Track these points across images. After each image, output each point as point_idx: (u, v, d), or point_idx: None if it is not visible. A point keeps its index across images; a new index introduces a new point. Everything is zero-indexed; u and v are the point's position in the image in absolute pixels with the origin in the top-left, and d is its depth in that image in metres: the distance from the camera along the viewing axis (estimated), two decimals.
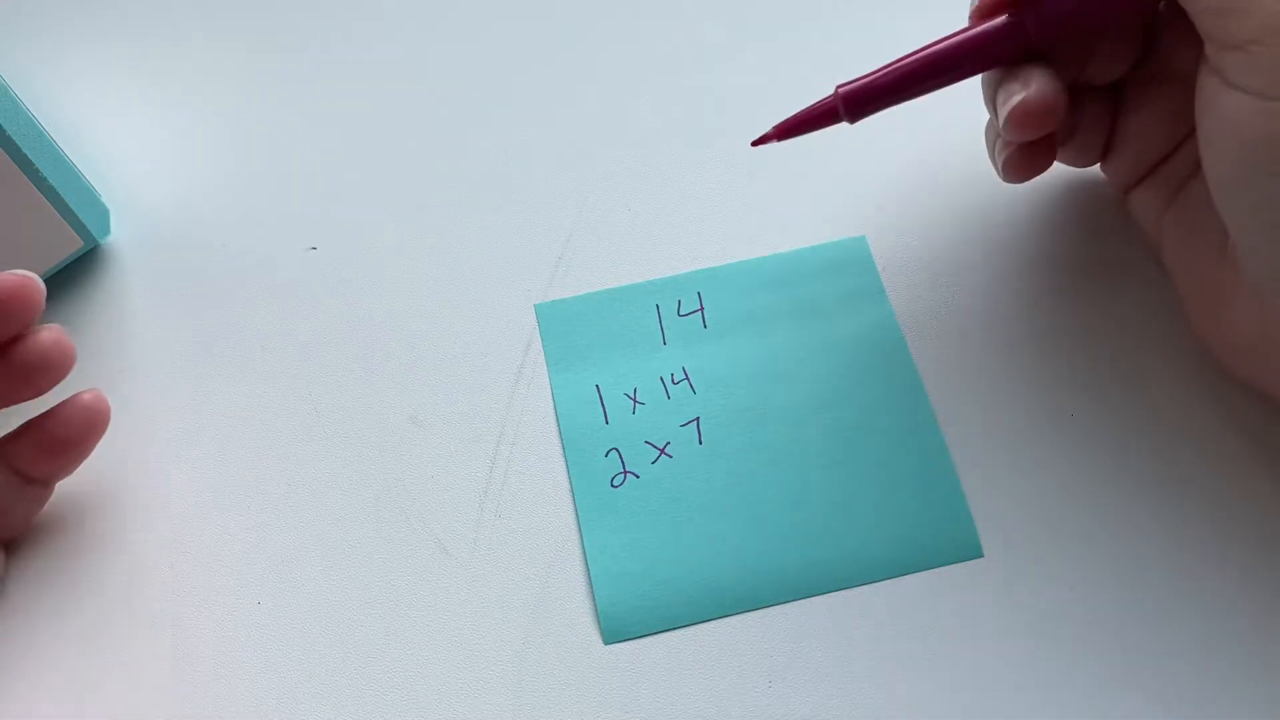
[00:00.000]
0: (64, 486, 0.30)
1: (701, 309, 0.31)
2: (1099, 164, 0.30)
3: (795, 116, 0.28)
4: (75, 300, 0.33)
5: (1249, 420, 0.29)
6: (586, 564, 0.28)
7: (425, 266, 0.33)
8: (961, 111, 0.31)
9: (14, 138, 0.28)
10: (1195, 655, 0.26)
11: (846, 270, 0.31)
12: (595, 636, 0.27)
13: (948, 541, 0.28)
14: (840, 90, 0.27)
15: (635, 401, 0.30)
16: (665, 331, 0.31)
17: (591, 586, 0.28)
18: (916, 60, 0.27)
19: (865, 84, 0.27)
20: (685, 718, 0.26)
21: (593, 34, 0.36)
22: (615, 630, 0.27)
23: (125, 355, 0.32)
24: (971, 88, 0.29)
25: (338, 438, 0.30)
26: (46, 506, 0.29)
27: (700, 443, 0.29)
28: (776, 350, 0.30)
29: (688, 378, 0.30)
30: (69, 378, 0.31)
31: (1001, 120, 0.27)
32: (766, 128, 0.34)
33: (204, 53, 0.37)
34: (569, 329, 0.31)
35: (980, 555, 0.28)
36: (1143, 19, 0.27)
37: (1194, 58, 0.25)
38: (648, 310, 0.32)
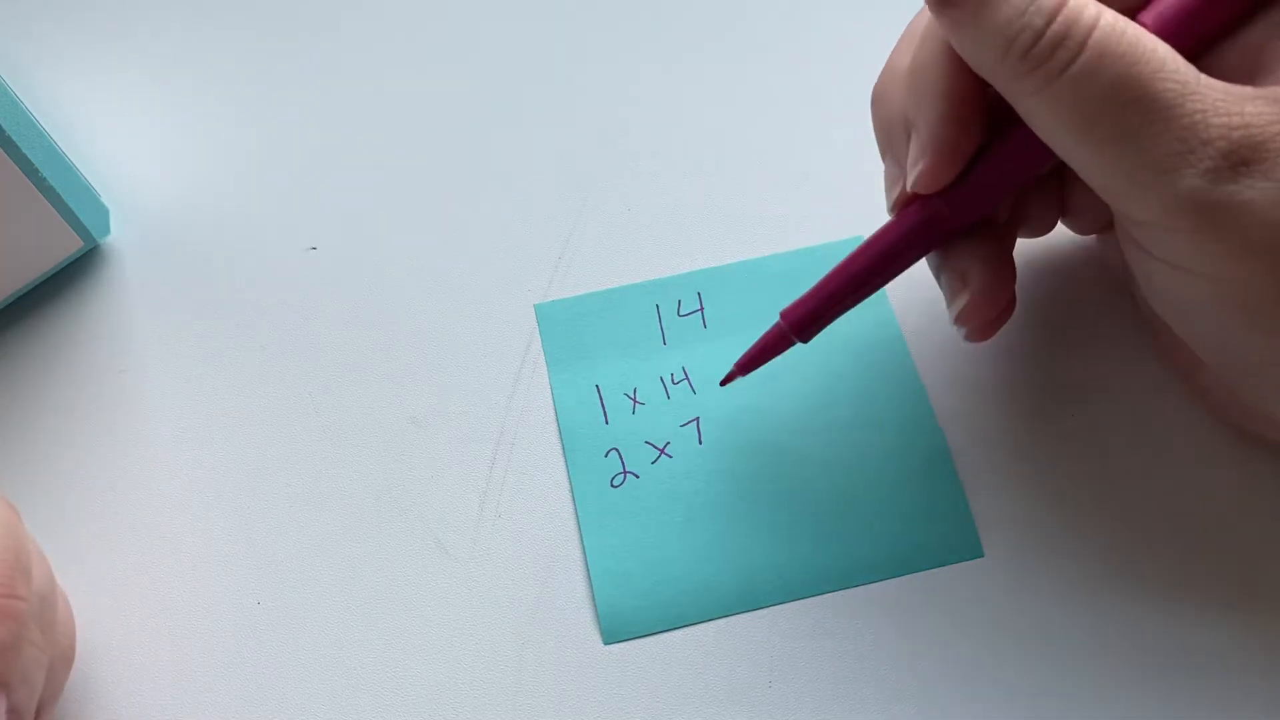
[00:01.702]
0: (61, 487, 0.30)
1: (701, 309, 0.31)
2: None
3: (751, 350, 0.28)
4: (75, 300, 0.33)
5: None
6: (586, 564, 0.28)
7: (425, 266, 0.33)
8: None
9: (14, 138, 0.28)
10: (1195, 655, 0.26)
11: None
12: (595, 636, 0.27)
13: (948, 541, 0.28)
14: (785, 316, 0.27)
15: (635, 401, 0.30)
16: (665, 331, 0.31)
17: (591, 586, 0.28)
18: (851, 273, 0.26)
19: (808, 308, 0.27)
20: (685, 718, 0.26)
21: (593, 34, 0.36)
22: (615, 630, 0.27)
23: (125, 355, 0.32)
24: None
25: (337, 438, 0.30)
26: (44, 509, 0.29)
27: (700, 443, 0.29)
28: None
29: (688, 378, 0.30)
30: (68, 376, 0.31)
31: (952, 320, 0.27)
32: (766, 127, 0.34)
33: (204, 53, 0.37)
34: (569, 329, 0.31)
35: (980, 555, 0.28)
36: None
37: None
38: (648, 310, 0.32)
